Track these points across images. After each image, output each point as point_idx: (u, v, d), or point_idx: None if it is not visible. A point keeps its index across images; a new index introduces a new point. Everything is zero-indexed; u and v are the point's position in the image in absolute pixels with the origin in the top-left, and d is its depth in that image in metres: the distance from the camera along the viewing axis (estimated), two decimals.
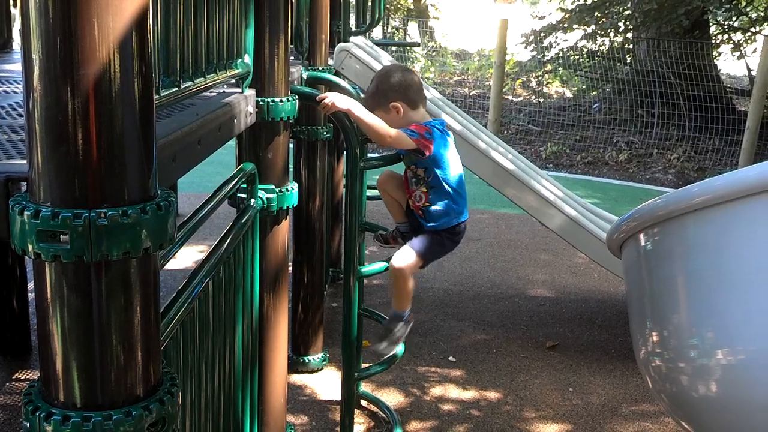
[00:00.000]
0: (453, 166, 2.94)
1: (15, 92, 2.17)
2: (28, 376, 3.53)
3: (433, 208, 2.94)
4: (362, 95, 3.07)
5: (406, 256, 2.94)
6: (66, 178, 1.03)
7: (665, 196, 2.20)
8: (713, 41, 11.66)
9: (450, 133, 3.00)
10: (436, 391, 3.68)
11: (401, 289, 3.02)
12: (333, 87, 3.20)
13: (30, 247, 1.04)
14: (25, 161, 1.20)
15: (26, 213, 1.02)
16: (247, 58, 2.23)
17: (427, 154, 2.84)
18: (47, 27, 0.99)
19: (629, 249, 2.44)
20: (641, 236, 2.29)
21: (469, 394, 3.66)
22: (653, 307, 2.31)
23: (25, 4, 1.00)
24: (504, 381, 3.79)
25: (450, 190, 2.92)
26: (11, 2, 3.93)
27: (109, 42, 1.01)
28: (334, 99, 2.78)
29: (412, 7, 18.08)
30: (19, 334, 3.72)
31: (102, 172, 1.03)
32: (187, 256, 4.95)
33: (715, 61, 11.49)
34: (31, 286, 3.80)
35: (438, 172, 2.90)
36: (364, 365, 3.32)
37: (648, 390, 2.76)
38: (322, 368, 3.83)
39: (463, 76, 14.59)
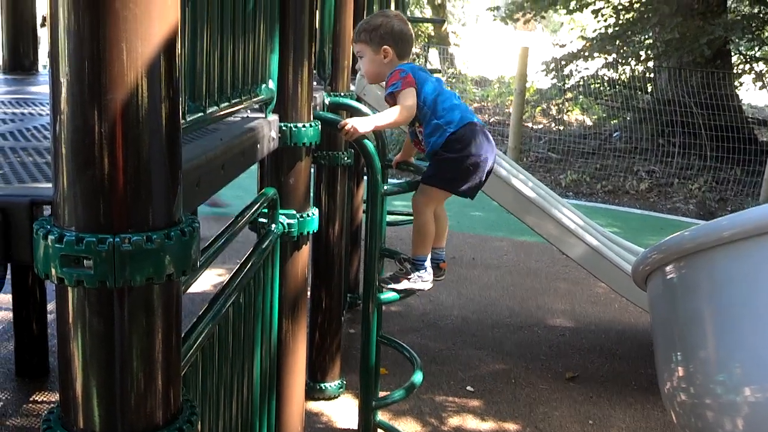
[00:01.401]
0: (430, 88, 2.97)
1: (41, 114, 2.18)
2: (45, 398, 3.52)
3: (426, 132, 2.99)
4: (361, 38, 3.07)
5: (419, 192, 3.00)
6: (91, 203, 1.02)
7: (693, 229, 2.17)
8: (735, 71, 11.60)
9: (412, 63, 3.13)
10: (454, 421, 3.63)
11: (419, 228, 3.03)
12: (354, 113, 3.21)
13: (53, 271, 1.03)
14: (49, 184, 1.20)
15: (50, 237, 1.02)
16: (271, 84, 2.24)
17: (413, 87, 2.90)
18: (76, 51, 0.99)
19: (655, 282, 2.41)
20: (668, 269, 2.25)
21: (488, 425, 3.60)
22: (680, 341, 2.26)
23: (54, 27, 1.00)
24: (523, 412, 3.73)
25: (429, 111, 2.95)
26: (38, 24, 3.99)
27: (137, 66, 1.01)
28: (355, 125, 2.79)
29: (432, 34, 18.19)
30: (38, 356, 3.72)
31: (127, 197, 1.03)
32: (205, 279, 4.94)
33: (736, 91, 11.43)
34: (50, 307, 3.80)
35: (418, 100, 2.95)
36: (381, 393, 3.28)
37: (672, 425, 2.71)
38: (339, 395, 3.79)
39: (482, 103, 14.60)
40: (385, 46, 2.97)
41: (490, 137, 3.03)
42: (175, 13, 1.05)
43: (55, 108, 1.02)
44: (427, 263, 3.05)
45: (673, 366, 2.27)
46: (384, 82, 3.07)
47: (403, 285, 3.06)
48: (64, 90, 1.01)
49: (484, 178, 3.01)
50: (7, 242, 1.12)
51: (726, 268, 2.05)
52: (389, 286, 3.05)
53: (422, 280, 3.06)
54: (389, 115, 2.88)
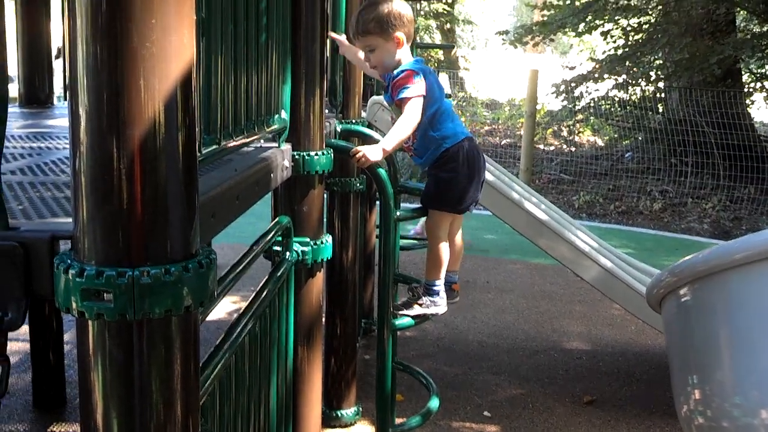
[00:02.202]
0: (434, 98, 2.92)
1: (57, 148, 2.22)
2: (63, 429, 3.53)
3: (418, 142, 2.96)
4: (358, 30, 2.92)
5: (429, 214, 3.02)
6: (110, 237, 1.04)
7: (705, 251, 2.17)
8: (746, 90, 11.60)
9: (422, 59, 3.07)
10: None
11: (432, 252, 3.03)
12: (366, 139, 3.23)
13: (74, 305, 1.05)
14: (68, 219, 1.23)
15: (71, 272, 1.04)
16: (284, 114, 2.26)
17: (424, 94, 2.84)
18: (95, 89, 1.02)
19: (669, 304, 2.40)
20: (682, 292, 2.25)
21: None
22: (696, 364, 2.26)
23: (73, 67, 1.03)
24: None
25: (427, 121, 2.90)
26: (53, 56, 4.05)
27: (154, 103, 1.03)
28: (367, 153, 2.80)
29: (442, 58, 18.30)
30: (55, 387, 3.73)
31: (146, 231, 1.05)
32: (219, 306, 4.96)
33: (748, 109, 11.42)
34: (67, 338, 3.82)
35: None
36: (398, 420, 3.27)
37: None
38: (355, 422, 3.78)
39: (493, 126, 14.66)
40: (396, 34, 2.84)
41: (480, 150, 3.06)
42: (190, 51, 1.08)
43: (75, 145, 1.04)
44: (441, 288, 3.05)
45: (690, 389, 2.26)
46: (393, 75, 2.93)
47: (416, 311, 3.06)
48: (83, 127, 1.03)
49: (479, 193, 3.06)
50: (28, 277, 1.14)
51: (739, 290, 2.05)
52: (402, 312, 3.06)
53: (435, 305, 3.05)
54: (397, 135, 2.82)
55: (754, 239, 2.01)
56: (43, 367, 3.70)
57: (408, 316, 3.06)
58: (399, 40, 2.85)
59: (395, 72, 2.88)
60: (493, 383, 4.28)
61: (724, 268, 2.02)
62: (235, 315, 1.80)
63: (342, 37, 3.18)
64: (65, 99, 4.28)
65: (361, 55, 3.02)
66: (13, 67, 3.79)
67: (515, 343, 4.90)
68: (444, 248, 3.00)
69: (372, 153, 2.80)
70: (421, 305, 3.04)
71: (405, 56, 2.92)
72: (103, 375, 1.08)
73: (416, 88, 2.82)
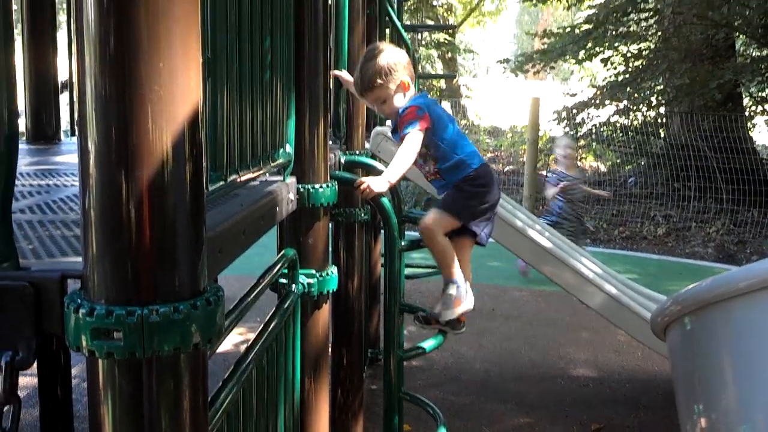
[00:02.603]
0: (445, 125, 3.00)
1: (65, 185, 2.24)
2: None
3: (444, 167, 3.01)
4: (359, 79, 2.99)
5: (430, 214, 3.01)
6: (120, 275, 1.06)
7: (709, 280, 2.18)
8: (747, 113, 11.65)
9: (425, 92, 3.14)
10: None
11: (437, 253, 3.03)
12: (370, 170, 3.25)
13: (84, 343, 1.06)
14: (77, 258, 1.25)
15: (81, 311, 1.05)
16: (289, 148, 2.29)
17: (428, 126, 2.91)
18: (104, 132, 1.04)
19: (674, 332, 2.41)
20: (686, 320, 2.26)
21: None
22: (701, 391, 2.25)
23: (82, 108, 1.06)
24: None
25: (450, 148, 2.98)
26: (59, 92, 4.08)
27: (163, 145, 1.05)
28: (371, 184, 2.83)
29: (444, 87, 18.42)
30: (63, 422, 3.72)
31: (155, 269, 1.06)
32: (225, 339, 4.96)
33: (749, 133, 11.46)
34: (74, 372, 3.82)
35: (436, 139, 2.97)
36: None
37: None
38: None
39: (496, 153, 14.71)
40: (401, 80, 2.94)
41: None
42: (197, 93, 1.10)
43: (84, 186, 1.06)
44: (461, 281, 3.06)
45: (696, 417, 2.26)
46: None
47: (450, 314, 3.06)
48: (92, 167, 1.05)
49: (493, 222, 3.12)
50: (38, 316, 1.16)
51: (743, 318, 2.05)
52: (440, 324, 3.11)
53: (463, 300, 3.06)
54: (399, 166, 2.87)
55: (757, 267, 2.02)
56: (51, 401, 3.69)
57: (441, 325, 3.09)
58: (405, 84, 2.96)
59: (401, 111, 2.97)
60: (500, 412, 4.27)
61: (728, 296, 2.02)
62: (242, 346, 1.81)
63: (344, 74, 3.23)
64: (72, 134, 4.31)
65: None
66: (19, 102, 3.82)
67: (522, 371, 4.89)
68: (447, 243, 3.01)
69: (376, 184, 2.83)
70: (451, 292, 3.05)
71: (412, 91, 3.02)
72: (113, 412, 1.09)
73: (421, 122, 2.90)
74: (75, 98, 1.08)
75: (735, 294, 2.00)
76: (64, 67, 4.11)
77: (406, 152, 2.87)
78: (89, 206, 1.07)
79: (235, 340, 4.96)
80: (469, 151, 3.03)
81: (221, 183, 1.55)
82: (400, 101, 2.96)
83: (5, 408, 1.15)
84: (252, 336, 1.91)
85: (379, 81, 2.91)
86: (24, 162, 2.86)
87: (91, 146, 1.05)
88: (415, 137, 2.88)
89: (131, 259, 1.06)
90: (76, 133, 1.09)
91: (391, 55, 2.93)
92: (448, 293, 3.03)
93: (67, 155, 3.17)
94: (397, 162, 2.87)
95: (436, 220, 3.00)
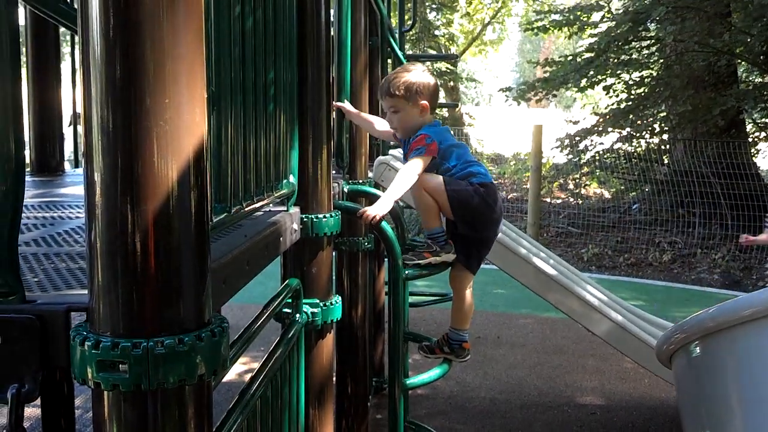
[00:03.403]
0: (452, 153, 3.04)
1: (70, 218, 2.26)
2: None
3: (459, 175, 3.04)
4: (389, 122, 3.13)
5: (459, 272, 3.07)
6: (125, 308, 1.07)
7: (713, 308, 2.18)
8: (750, 139, 11.68)
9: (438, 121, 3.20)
10: None
11: (464, 306, 3.11)
12: (373, 200, 3.27)
13: (89, 375, 1.07)
14: (82, 291, 1.26)
15: (87, 344, 1.06)
16: (292, 178, 2.30)
17: (434, 156, 2.97)
18: (110, 165, 1.05)
19: (679, 360, 2.40)
20: (691, 348, 2.25)
21: None
22: (707, 419, 2.24)
23: (88, 144, 1.07)
24: None
25: (457, 171, 3.02)
26: (65, 123, 4.12)
27: (168, 179, 1.07)
28: (374, 212, 2.84)
29: (446, 115, 18.51)
30: None
31: (160, 301, 1.07)
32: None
33: (753, 159, 11.48)
34: (77, 402, 3.81)
35: (446, 165, 3.02)
36: None
37: None
38: None
39: (499, 180, 14.73)
40: (422, 102, 3.02)
41: None
42: (202, 127, 1.12)
43: (91, 218, 1.08)
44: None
45: None
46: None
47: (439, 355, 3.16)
48: (98, 200, 1.07)
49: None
50: (44, 349, 1.17)
51: (748, 345, 2.05)
52: (445, 353, 3.17)
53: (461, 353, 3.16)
54: (399, 188, 2.92)
55: (761, 296, 2.02)
56: None
57: (445, 355, 3.18)
58: (424, 107, 3.03)
59: (412, 138, 3.05)
60: None
61: (732, 324, 2.02)
62: (245, 376, 1.82)
63: (347, 105, 3.26)
64: (76, 165, 4.33)
65: (381, 126, 3.24)
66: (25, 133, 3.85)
67: (528, 399, 4.86)
68: (471, 297, 3.11)
69: (378, 209, 2.84)
70: (444, 350, 3.16)
71: (429, 118, 3.09)
72: None
73: (428, 150, 2.96)
74: (81, 131, 1.09)
75: (740, 321, 2.00)
76: (67, 99, 4.15)
77: (406, 175, 2.93)
78: (95, 238, 1.08)
79: (239, 369, 4.95)
80: (481, 170, 3.09)
81: (225, 214, 1.56)
82: (413, 119, 3.04)
83: None
84: (256, 365, 1.91)
85: (402, 91, 3.00)
86: (29, 194, 2.88)
87: (97, 179, 1.07)
88: (417, 163, 2.94)
89: (136, 291, 1.07)
90: (83, 165, 1.11)
91: (423, 77, 3.04)
92: (445, 351, 3.18)
93: (71, 187, 3.19)
94: (397, 184, 2.94)
95: (465, 275, 3.09)
